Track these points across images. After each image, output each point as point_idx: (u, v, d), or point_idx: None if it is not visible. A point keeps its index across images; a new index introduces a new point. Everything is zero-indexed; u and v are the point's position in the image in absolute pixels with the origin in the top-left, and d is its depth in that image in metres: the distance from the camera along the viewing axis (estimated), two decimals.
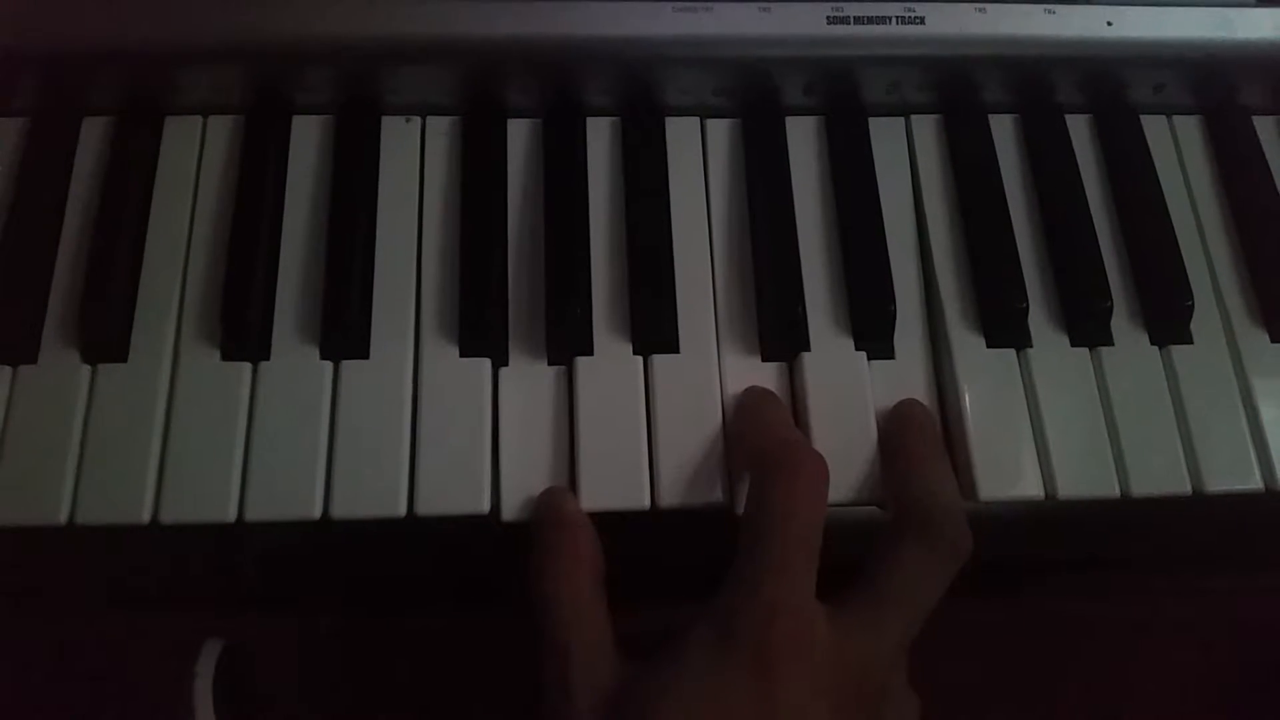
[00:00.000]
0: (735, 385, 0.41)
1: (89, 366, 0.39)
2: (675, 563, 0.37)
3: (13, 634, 0.42)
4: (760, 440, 0.38)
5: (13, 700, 0.42)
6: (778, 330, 0.41)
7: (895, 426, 0.40)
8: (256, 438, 0.39)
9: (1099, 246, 0.44)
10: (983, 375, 0.41)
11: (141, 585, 0.42)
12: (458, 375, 0.40)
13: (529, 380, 0.40)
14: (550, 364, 0.41)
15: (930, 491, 0.38)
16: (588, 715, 0.34)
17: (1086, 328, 0.42)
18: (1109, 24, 0.44)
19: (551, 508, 0.38)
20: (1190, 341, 0.43)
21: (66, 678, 0.42)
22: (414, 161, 0.44)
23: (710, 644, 0.34)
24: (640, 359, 0.41)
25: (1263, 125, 0.47)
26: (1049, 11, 0.44)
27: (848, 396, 0.41)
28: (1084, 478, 0.40)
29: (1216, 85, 0.46)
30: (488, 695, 0.43)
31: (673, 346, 0.41)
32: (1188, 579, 0.45)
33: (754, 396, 0.40)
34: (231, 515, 0.38)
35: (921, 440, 0.39)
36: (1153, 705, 0.49)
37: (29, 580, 0.41)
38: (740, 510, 0.38)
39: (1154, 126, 0.47)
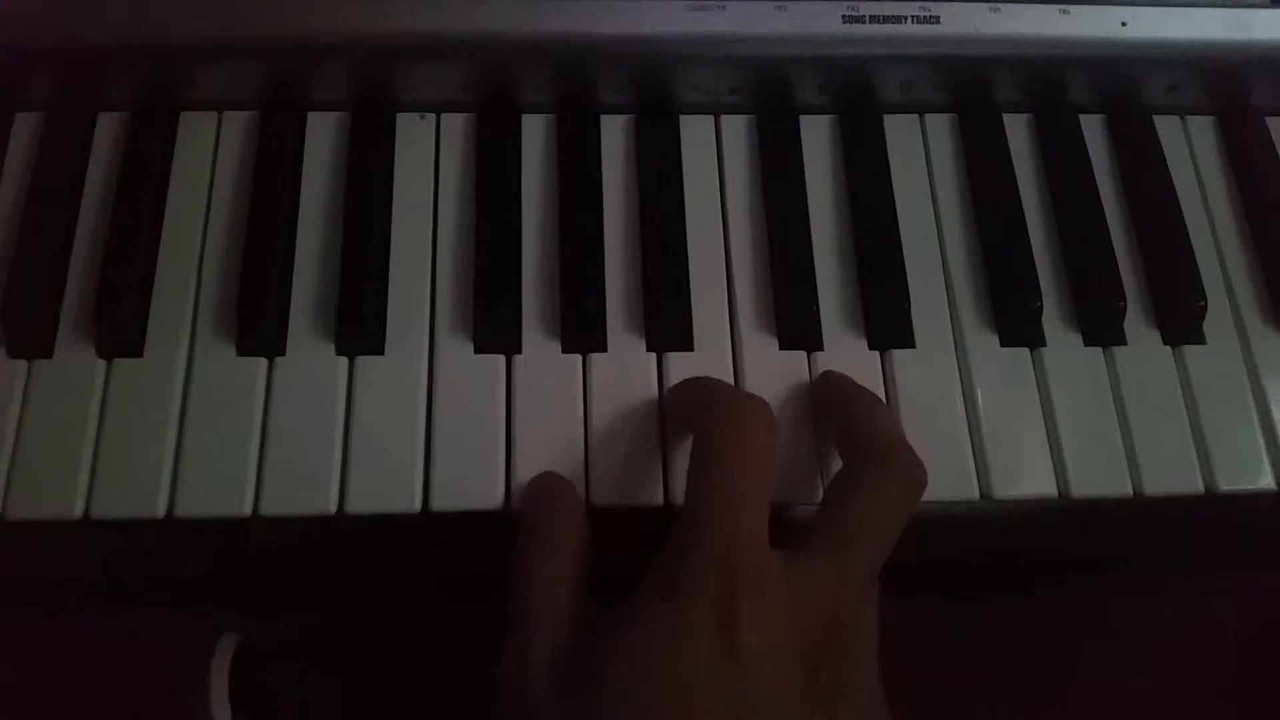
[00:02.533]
0: (751, 382, 0.41)
1: (104, 361, 0.39)
2: None
3: (25, 629, 0.42)
4: (699, 395, 0.38)
5: (25, 696, 0.42)
6: (792, 328, 0.42)
7: (824, 385, 0.40)
8: (271, 433, 0.39)
9: (1112, 246, 0.44)
10: (996, 374, 0.41)
11: (155, 580, 0.42)
12: (472, 372, 0.40)
13: (544, 375, 0.40)
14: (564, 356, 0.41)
15: (880, 429, 0.37)
16: (546, 684, 0.33)
17: (1100, 327, 0.42)
18: (1123, 24, 0.44)
19: (543, 490, 0.38)
20: (1203, 341, 0.43)
21: (79, 672, 0.42)
22: (429, 158, 0.44)
23: (663, 599, 0.32)
24: (654, 356, 0.41)
25: (1276, 126, 0.47)
26: (1063, 11, 0.44)
27: None
28: (1097, 476, 0.40)
29: (1230, 86, 0.46)
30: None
31: (687, 344, 0.41)
32: (1196, 579, 0.45)
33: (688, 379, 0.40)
34: (247, 509, 0.38)
35: (854, 389, 0.40)
36: (1159, 706, 0.49)
37: (41, 575, 0.41)
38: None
39: (1167, 127, 0.47)
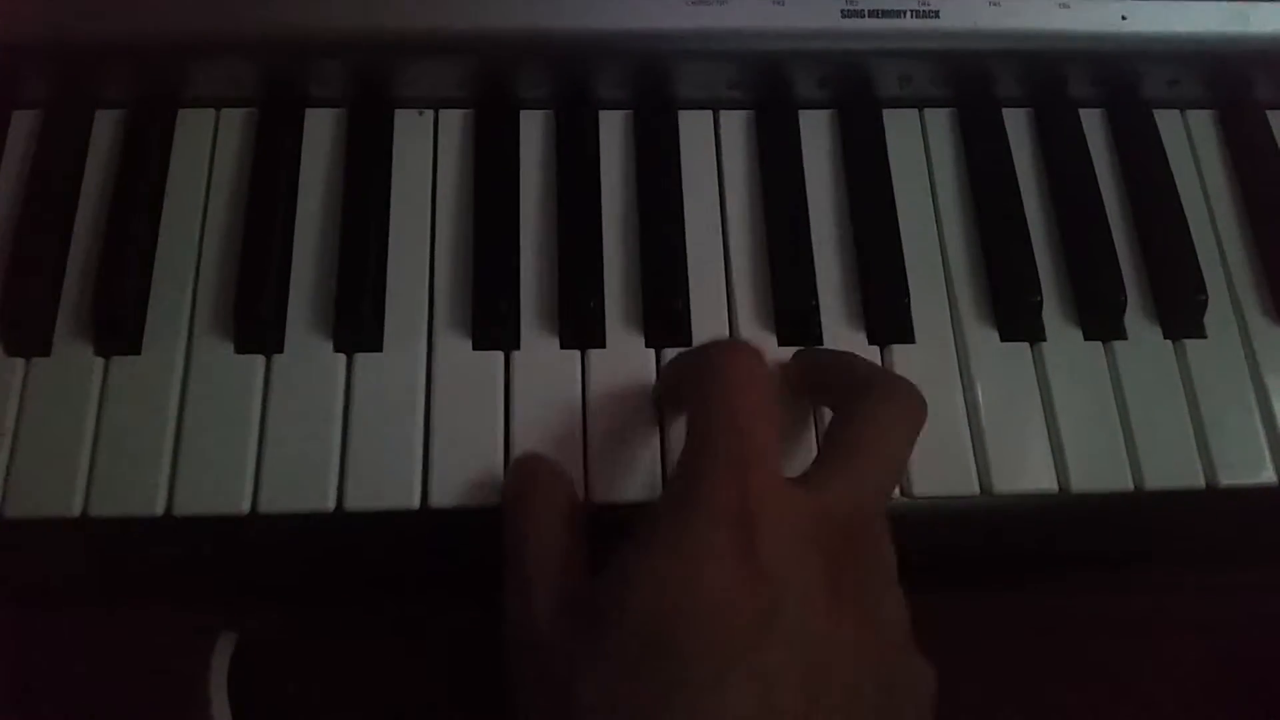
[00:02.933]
0: None
1: (102, 359, 0.39)
2: None
3: (25, 629, 0.42)
4: (685, 356, 0.38)
5: (25, 696, 0.42)
6: (791, 323, 0.41)
7: (800, 358, 0.40)
8: (270, 430, 0.39)
9: (1112, 240, 0.44)
10: (996, 369, 0.41)
11: (154, 578, 0.42)
12: (471, 368, 0.40)
13: (542, 372, 0.40)
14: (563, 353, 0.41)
15: (866, 365, 0.38)
16: (557, 623, 0.32)
17: (1100, 321, 0.42)
18: (1123, 18, 0.44)
19: (523, 466, 0.37)
20: (1204, 335, 0.43)
21: (79, 672, 0.42)
22: (427, 154, 0.44)
23: (678, 518, 0.31)
24: (653, 352, 0.41)
25: (1277, 119, 0.47)
26: (1063, 6, 0.44)
27: None
28: (1097, 471, 0.40)
29: (1230, 80, 0.46)
30: (498, 690, 0.43)
31: (685, 340, 0.41)
32: (1197, 574, 0.45)
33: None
34: (245, 507, 0.38)
35: (829, 350, 0.41)
36: (1159, 702, 0.49)
37: (40, 574, 0.41)
38: None
39: (1168, 121, 0.47)
